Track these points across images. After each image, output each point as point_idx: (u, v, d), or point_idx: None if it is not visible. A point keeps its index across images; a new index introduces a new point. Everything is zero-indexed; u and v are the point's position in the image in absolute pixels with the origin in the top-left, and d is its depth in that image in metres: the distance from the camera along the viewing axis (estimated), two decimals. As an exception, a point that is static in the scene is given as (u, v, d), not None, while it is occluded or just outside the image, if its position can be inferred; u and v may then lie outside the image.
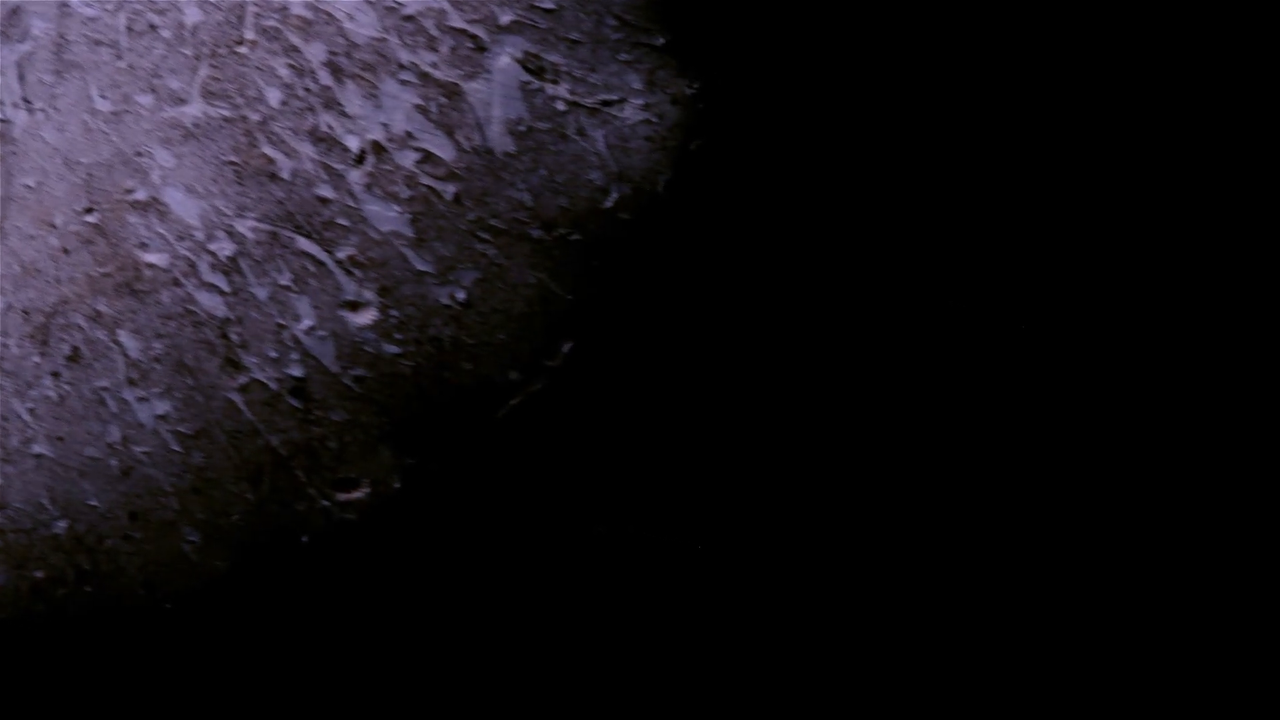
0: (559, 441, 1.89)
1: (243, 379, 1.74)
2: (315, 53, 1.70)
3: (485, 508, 1.90)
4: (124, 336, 1.75)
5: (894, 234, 1.91)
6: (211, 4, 1.70)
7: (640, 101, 1.73)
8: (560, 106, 1.71)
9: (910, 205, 1.91)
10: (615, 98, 1.72)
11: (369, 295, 1.73)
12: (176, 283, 1.73)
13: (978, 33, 1.90)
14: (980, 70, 1.91)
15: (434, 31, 1.69)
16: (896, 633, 1.96)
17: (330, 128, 1.70)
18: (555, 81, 1.71)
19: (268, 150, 1.71)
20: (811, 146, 1.89)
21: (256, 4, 1.71)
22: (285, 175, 1.71)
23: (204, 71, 1.71)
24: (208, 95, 1.71)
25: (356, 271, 1.72)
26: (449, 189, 1.71)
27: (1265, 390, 1.91)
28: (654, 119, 1.74)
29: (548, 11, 1.70)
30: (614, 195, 1.74)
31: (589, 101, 1.72)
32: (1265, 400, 1.91)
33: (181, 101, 1.71)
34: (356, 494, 1.81)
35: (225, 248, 1.72)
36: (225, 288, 1.73)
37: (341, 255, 1.72)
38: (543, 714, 1.97)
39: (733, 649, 1.96)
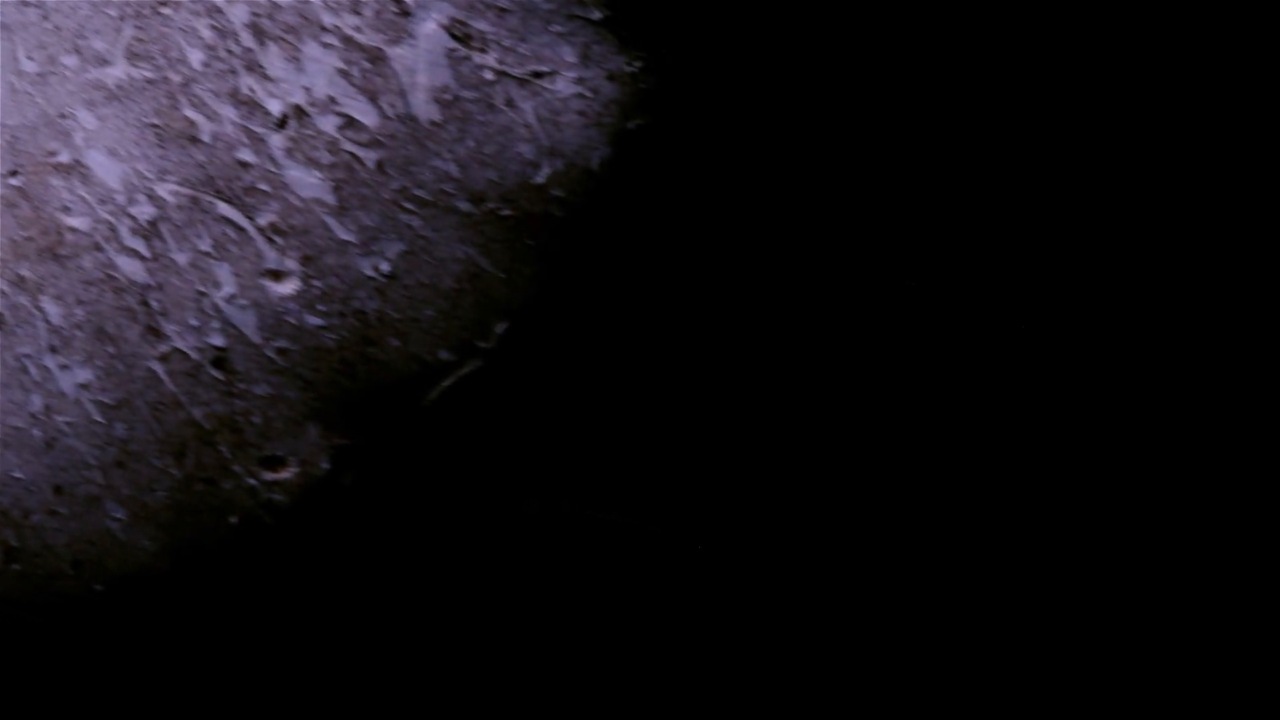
0: (494, 422, 1.83)
1: (163, 347, 1.70)
2: (238, 14, 1.65)
3: (418, 489, 1.84)
4: (46, 302, 1.71)
5: (847, 220, 1.83)
6: (134, -38, 1.66)
7: (573, 75, 1.66)
8: (488, 76, 1.65)
9: (867, 193, 1.83)
10: (546, 69, 1.66)
11: (291, 264, 1.68)
12: (98, 247, 1.68)
13: (944, 17, 1.81)
14: (944, 56, 1.82)
15: (358, -6, 1.64)
16: (842, 608, 1.89)
17: (252, 90, 1.65)
18: (483, 50, 1.65)
19: (189, 113, 1.66)
20: (765, 131, 1.82)
21: (178, -38, 1.67)
22: (206, 138, 1.66)
23: (128, 32, 1.67)
24: (131, 56, 1.67)
25: (278, 239, 1.67)
26: (372, 156, 1.65)
27: (1265, 390, 1.82)
28: (588, 94, 1.67)
29: (476, -24, 1.64)
30: (545, 170, 1.68)
31: (518, 72, 1.65)
32: (1265, 400, 1.81)
33: (105, 63, 1.67)
34: (284, 474, 1.75)
35: (146, 211, 1.67)
36: (145, 253, 1.68)
37: (262, 222, 1.67)
38: (482, 693, 1.91)
39: (671, 627, 1.89)
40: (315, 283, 1.69)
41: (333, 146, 1.66)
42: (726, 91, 1.84)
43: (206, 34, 1.67)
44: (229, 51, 1.67)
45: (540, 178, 1.69)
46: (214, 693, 1.93)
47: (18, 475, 1.76)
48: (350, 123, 1.66)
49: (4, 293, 1.73)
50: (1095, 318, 1.91)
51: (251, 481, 1.75)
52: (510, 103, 1.67)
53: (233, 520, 1.77)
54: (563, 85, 1.68)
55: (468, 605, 1.93)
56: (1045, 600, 1.93)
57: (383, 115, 1.66)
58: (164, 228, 1.69)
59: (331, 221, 1.67)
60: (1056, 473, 1.93)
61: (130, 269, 1.70)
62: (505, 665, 1.95)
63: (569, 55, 1.67)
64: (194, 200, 1.68)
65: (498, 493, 1.89)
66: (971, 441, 1.93)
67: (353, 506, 1.82)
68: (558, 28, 1.67)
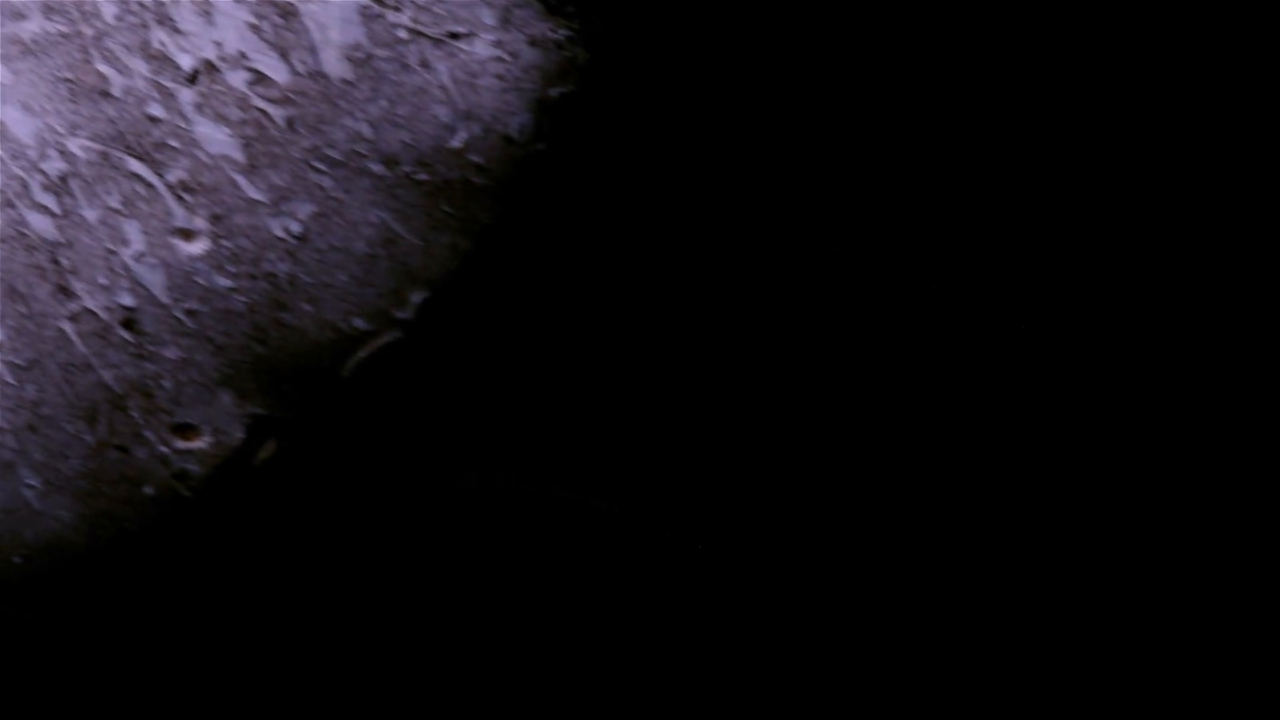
0: (427, 396, 1.78)
1: (73, 306, 1.67)
2: (152, -34, 1.62)
3: (350, 464, 1.80)
4: (-41, 257, 1.68)
5: (784, 196, 1.77)
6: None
7: (491, 38, 1.62)
8: (402, 35, 1.61)
9: (809, 172, 1.77)
10: (463, 31, 1.61)
11: (200, 223, 1.64)
12: (10, 204, 1.66)
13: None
14: (886, 36, 1.76)
15: (271, -53, 1.60)
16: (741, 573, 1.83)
17: (163, 44, 1.62)
18: (397, 8, 1.60)
19: (101, 67, 1.63)
20: (702, 107, 1.76)
21: (95, -86, 1.64)
22: (117, 93, 1.63)
23: (44, -16, 1.64)
24: (46, 10, 1.64)
25: (187, 196, 1.63)
26: (281, 113, 1.61)
27: (1265, 390, 1.75)
28: (506, 57, 1.62)
29: (390, -69, 1.60)
30: (462, 134, 1.63)
31: (433, 32, 1.61)
32: (1265, 400, 1.75)
33: (21, 17, 1.65)
34: (197, 443, 1.71)
35: (56, 167, 1.64)
36: (56, 209, 1.65)
37: (172, 179, 1.63)
38: (411, 666, 1.85)
39: (615, 601, 1.83)
40: (224, 243, 1.65)
41: (242, 102, 1.63)
42: (664, 65, 1.79)
43: (120, -14, 1.64)
44: (141, 4, 1.64)
45: (456, 142, 1.64)
46: (134, 670, 1.89)
47: (-68, 436, 1.74)
48: (260, 78, 1.62)
49: (-82, 247, 1.70)
50: (1095, 317, 1.85)
51: (164, 449, 1.71)
52: (425, 63, 1.63)
53: (148, 491, 1.73)
54: (480, 48, 1.63)
55: (406, 582, 1.88)
56: (1043, 598, 1.87)
57: (293, 72, 1.62)
58: (74, 184, 1.66)
59: (241, 180, 1.63)
60: (1054, 471, 1.87)
61: (41, 226, 1.67)
62: (449, 645, 1.90)
63: (487, 17, 1.63)
64: (104, 156, 1.65)
65: (433, 467, 1.84)
66: (934, 427, 1.86)
67: (279, 483, 1.77)
68: (476, -12, 1.63)
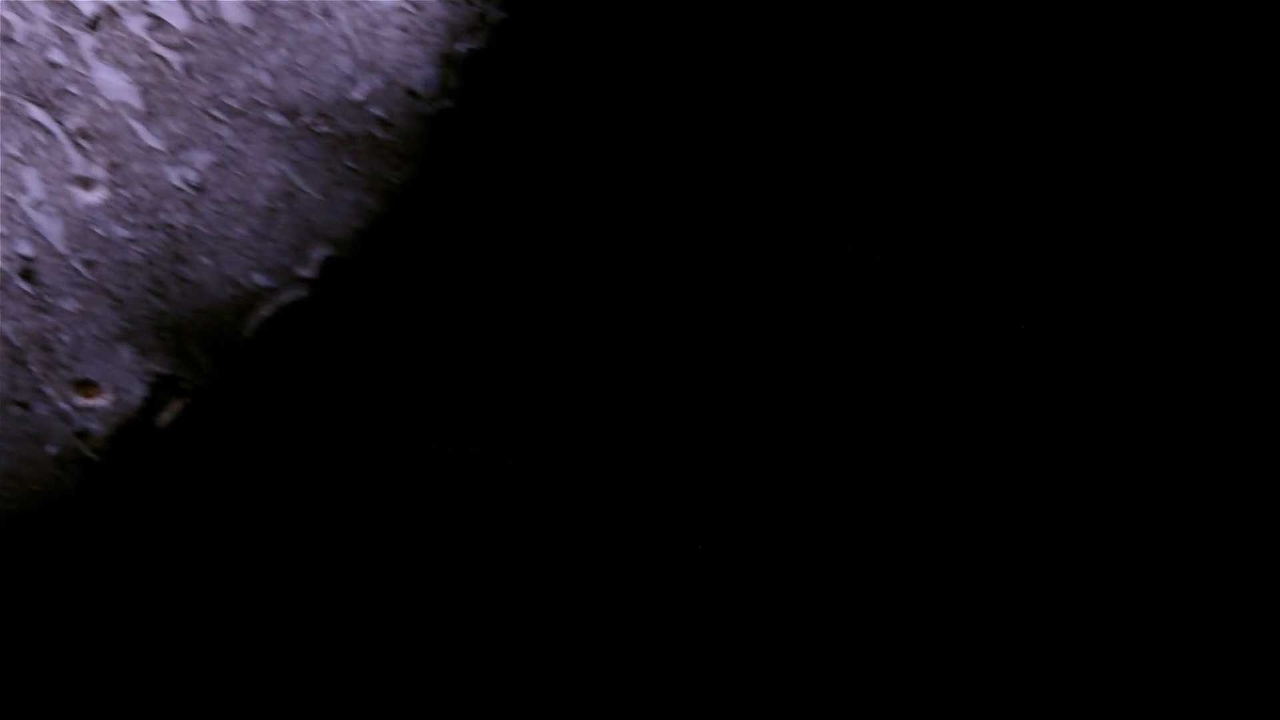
0: (331, 355, 1.76)
1: (-27, 256, 1.65)
2: (56, -89, 1.62)
3: (254, 425, 1.77)
4: None
5: (705, 164, 1.74)
6: None
7: (396, -14, 1.60)
8: (304, -19, 1.59)
9: (733, 155, 1.74)
10: (366, -22, 1.60)
11: (98, 172, 1.62)
12: (-87, 149, 1.65)
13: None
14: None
15: (173, -108, 1.60)
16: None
17: (65, -10, 1.61)
18: (299, -46, 1.59)
19: (5, 13, 1.63)
20: (624, 71, 1.74)
21: None
22: (20, 39, 1.62)
23: (-47, -71, 1.64)
24: (-46, -46, 1.64)
25: (85, 144, 1.62)
26: (180, 60, 1.60)
27: (1265, 390, 1.72)
28: (410, 9, 1.61)
29: (292, -123, 1.59)
30: (363, 86, 1.61)
31: (335, -21, 1.60)
32: (1265, 400, 1.72)
33: (-69, -40, 1.64)
34: (98, 400, 1.69)
35: (-42, 113, 1.64)
36: (-43, 156, 1.64)
37: (71, 125, 1.62)
38: (322, 627, 1.82)
39: (524, 560, 1.80)
40: (122, 191, 1.63)
41: (141, 49, 1.61)
42: (588, 29, 1.76)
43: (25, -69, 1.64)
44: (45, -51, 1.63)
45: (358, 94, 1.62)
46: (45, 643, 1.86)
47: None
48: (160, 24, 1.61)
49: None
50: (1094, 317, 1.81)
51: (65, 406, 1.69)
52: (326, 12, 1.61)
53: (51, 450, 1.71)
54: (383, -2, 1.61)
55: (311, 544, 1.85)
56: (1042, 600, 1.83)
57: (193, 18, 1.61)
58: (-24, 129, 1.65)
59: (139, 127, 1.62)
60: (1052, 473, 1.83)
61: (-58, 171, 1.66)
62: (360, 604, 1.86)
63: (392, -32, 1.61)
64: (5, 103, 1.63)
65: (339, 425, 1.81)
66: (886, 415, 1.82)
67: (183, 445, 1.75)
68: (380, -62, 1.61)
